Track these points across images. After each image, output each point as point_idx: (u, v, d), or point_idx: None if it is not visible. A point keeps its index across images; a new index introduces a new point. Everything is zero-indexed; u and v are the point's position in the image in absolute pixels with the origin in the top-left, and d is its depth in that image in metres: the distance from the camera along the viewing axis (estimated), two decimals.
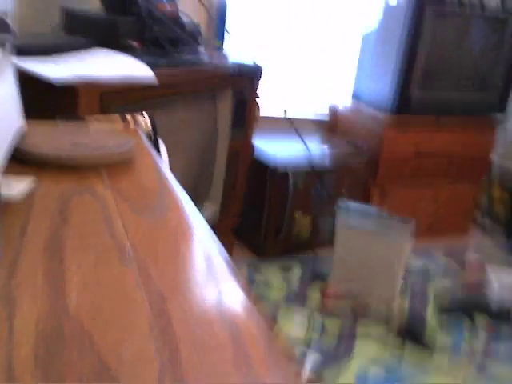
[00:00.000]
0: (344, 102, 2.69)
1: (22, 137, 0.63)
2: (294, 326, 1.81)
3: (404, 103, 2.36)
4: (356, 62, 2.65)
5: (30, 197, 0.52)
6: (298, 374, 0.32)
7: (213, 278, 0.41)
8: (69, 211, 0.49)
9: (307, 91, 2.72)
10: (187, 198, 0.58)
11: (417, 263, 2.37)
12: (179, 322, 0.35)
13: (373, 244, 1.95)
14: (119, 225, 0.48)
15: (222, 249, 0.47)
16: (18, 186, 0.53)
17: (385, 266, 1.97)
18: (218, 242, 0.48)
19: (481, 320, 1.98)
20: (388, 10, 2.41)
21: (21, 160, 0.61)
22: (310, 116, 2.75)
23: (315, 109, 2.75)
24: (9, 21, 0.49)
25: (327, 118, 2.77)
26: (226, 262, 0.45)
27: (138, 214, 0.51)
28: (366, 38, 2.58)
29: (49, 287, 0.37)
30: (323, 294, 2.03)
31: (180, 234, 0.48)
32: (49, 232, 0.45)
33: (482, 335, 1.89)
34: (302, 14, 2.57)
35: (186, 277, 0.41)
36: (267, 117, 2.53)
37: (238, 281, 0.41)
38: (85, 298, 0.36)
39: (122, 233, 0.46)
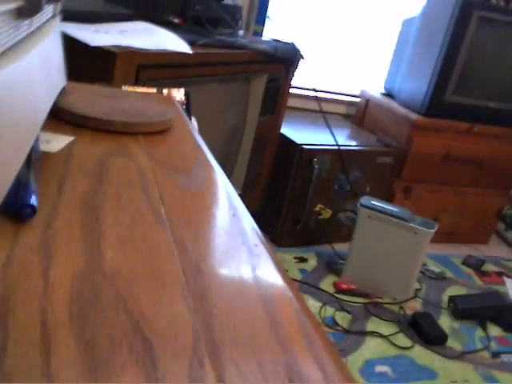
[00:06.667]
0: (375, 90, 2.66)
1: (64, 95, 0.63)
2: None
3: (438, 106, 2.32)
4: (392, 49, 2.62)
5: (67, 154, 0.52)
6: (331, 349, 0.31)
7: (247, 252, 0.41)
8: (105, 171, 0.49)
9: (339, 74, 2.71)
10: (222, 172, 0.57)
11: (434, 269, 2.34)
12: (213, 292, 0.34)
13: (392, 238, 1.92)
14: (155, 189, 0.47)
15: (256, 226, 0.47)
16: (56, 142, 0.53)
17: (401, 264, 1.95)
18: (252, 219, 0.48)
19: (494, 331, 1.95)
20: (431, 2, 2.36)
21: (59, 118, 0.61)
22: (340, 105, 2.74)
23: (345, 92, 2.75)
24: None
25: (357, 105, 2.75)
26: (260, 238, 0.44)
27: (174, 182, 0.50)
28: (405, 28, 2.53)
29: (85, 243, 0.37)
30: (336, 288, 2.01)
31: (215, 206, 0.48)
32: (85, 189, 0.45)
33: (493, 346, 1.86)
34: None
35: (220, 249, 0.40)
36: (297, 94, 2.52)
37: (273, 257, 0.41)
38: (120, 259, 0.36)
39: (157, 197, 0.46)
